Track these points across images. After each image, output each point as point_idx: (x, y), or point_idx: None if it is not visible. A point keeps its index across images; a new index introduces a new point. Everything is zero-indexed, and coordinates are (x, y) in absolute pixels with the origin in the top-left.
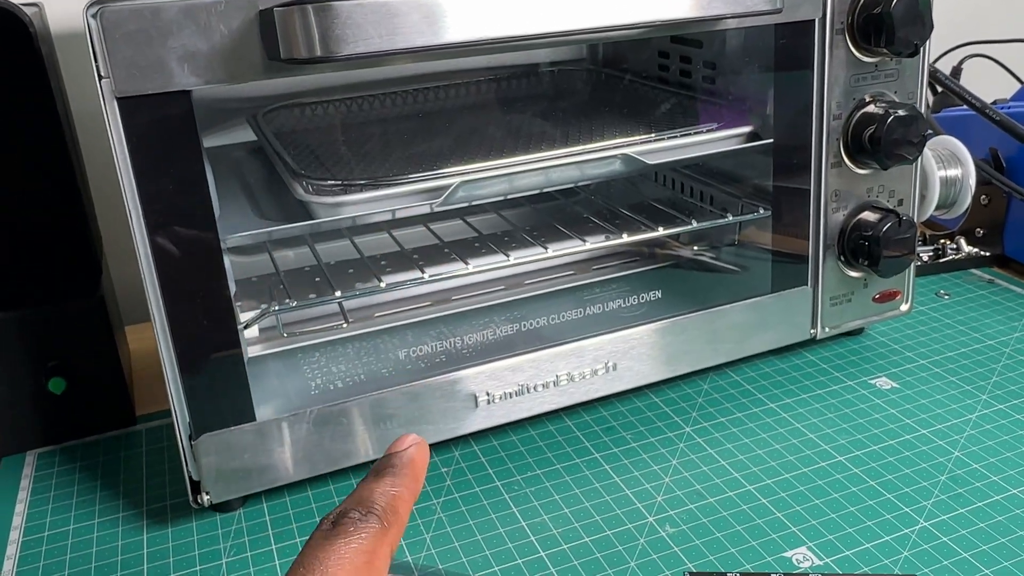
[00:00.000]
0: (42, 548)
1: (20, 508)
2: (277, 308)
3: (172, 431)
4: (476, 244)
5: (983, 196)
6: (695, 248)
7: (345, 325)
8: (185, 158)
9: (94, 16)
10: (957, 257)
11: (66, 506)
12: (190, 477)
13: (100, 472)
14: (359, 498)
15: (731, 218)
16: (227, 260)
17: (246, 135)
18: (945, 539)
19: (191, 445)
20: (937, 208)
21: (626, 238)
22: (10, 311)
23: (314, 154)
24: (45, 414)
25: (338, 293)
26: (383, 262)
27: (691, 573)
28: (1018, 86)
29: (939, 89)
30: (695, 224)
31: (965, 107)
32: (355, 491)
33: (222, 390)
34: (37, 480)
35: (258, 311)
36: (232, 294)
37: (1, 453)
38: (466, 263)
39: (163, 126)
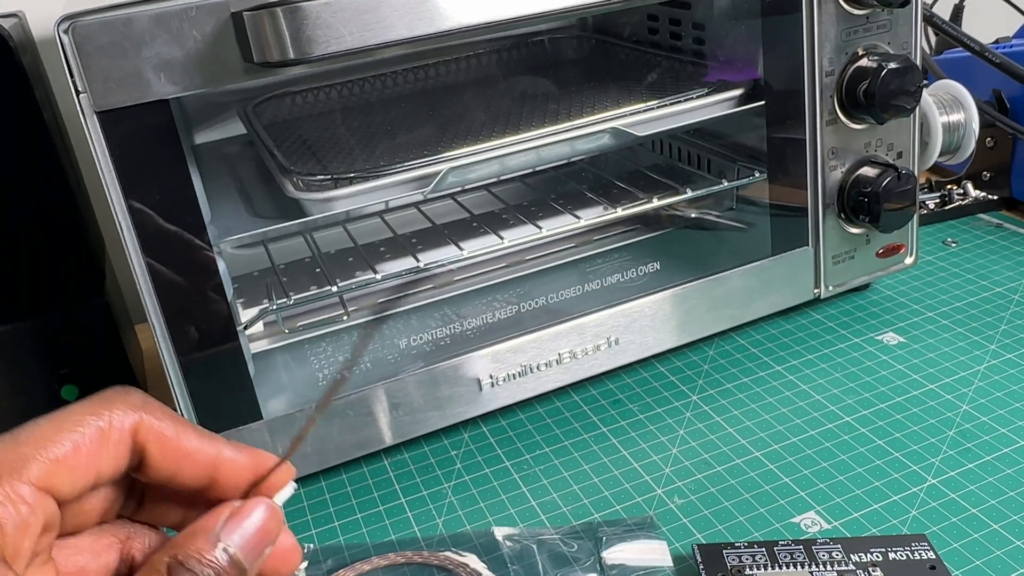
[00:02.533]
0: None
1: None
2: (275, 306)
3: None
4: (473, 224)
5: (988, 139)
6: (693, 214)
7: (346, 317)
8: (170, 166)
9: (66, 31)
10: (964, 202)
11: None
12: None
13: None
14: None
15: (726, 183)
16: (221, 263)
17: (240, 128)
18: (953, 495)
19: None
20: (941, 154)
21: (620, 212)
22: (17, 322)
23: (306, 145)
24: None
25: (335, 288)
26: (382, 248)
27: (699, 546)
28: (1022, 21)
29: None
30: (690, 192)
31: None
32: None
33: (227, 392)
34: None
35: (258, 310)
36: (231, 294)
37: None
38: (460, 247)
39: (145, 137)
